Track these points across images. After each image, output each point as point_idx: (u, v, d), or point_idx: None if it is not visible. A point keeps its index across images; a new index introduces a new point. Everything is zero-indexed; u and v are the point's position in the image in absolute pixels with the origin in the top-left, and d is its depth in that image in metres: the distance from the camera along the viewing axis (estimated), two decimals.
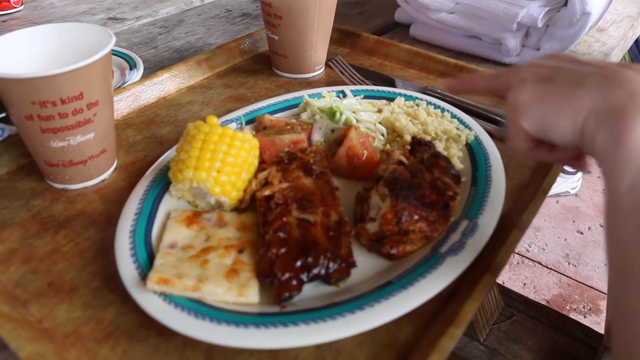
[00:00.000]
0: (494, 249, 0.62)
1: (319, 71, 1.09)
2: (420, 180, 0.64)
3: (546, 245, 2.43)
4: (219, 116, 0.87)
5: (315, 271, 0.56)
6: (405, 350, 0.55)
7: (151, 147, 0.86)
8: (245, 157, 0.67)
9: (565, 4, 1.09)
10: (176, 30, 1.38)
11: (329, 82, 1.07)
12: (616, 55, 1.31)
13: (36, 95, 0.66)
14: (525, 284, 2.23)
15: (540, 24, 1.08)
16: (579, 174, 2.68)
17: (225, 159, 0.65)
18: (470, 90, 0.65)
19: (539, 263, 2.34)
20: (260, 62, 1.14)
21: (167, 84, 1.02)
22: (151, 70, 1.11)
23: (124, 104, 0.95)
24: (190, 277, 0.56)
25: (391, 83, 1.03)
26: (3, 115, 0.74)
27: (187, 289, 0.55)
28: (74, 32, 0.76)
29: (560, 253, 2.39)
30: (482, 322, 1.37)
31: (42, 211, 0.74)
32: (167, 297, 0.55)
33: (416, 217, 0.61)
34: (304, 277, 0.56)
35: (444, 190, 0.65)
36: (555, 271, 2.30)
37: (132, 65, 1.07)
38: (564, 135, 0.49)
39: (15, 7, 1.48)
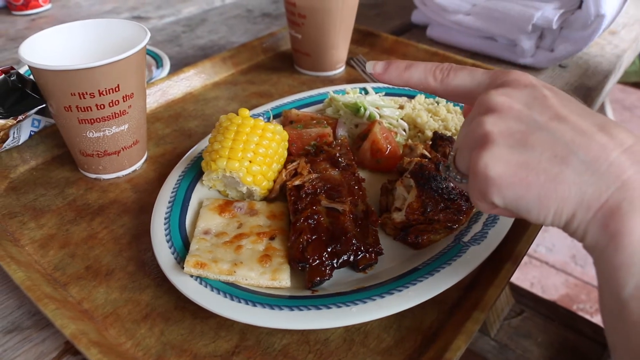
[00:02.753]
0: (514, 239, 0.64)
1: (340, 69, 1.12)
2: None
3: (553, 245, 2.45)
4: None
5: (344, 257, 0.59)
6: (430, 333, 0.57)
7: (179, 140, 0.89)
8: (276, 149, 0.70)
9: (580, 7, 1.11)
10: (199, 29, 1.41)
11: (350, 79, 1.10)
12: (628, 58, 1.33)
13: (75, 87, 0.68)
14: (532, 283, 2.25)
15: (555, 26, 1.10)
16: None
17: (257, 150, 0.68)
18: (406, 84, 0.56)
19: (546, 263, 2.36)
20: (282, 60, 1.17)
21: (193, 80, 1.05)
22: (177, 67, 1.14)
23: (152, 99, 0.97)
24: (225, 261, 0.59)
25: None
26: (42, 106, 0.77)
27: (222, 272, 0.58)
28: (110, 27, 0.79)
29: (567, 254, 2.41)
30: (492, 318, 1.39)
31: (77, 199, 0.77)
32: (202, 280, 0.58)
33: (440, 207, 0.64)
34: (334, 262, 0.59)
35: None
36: (563, 271, 2.32)
37: (159, 62, 1.10)
38: (543, 220, 0.43)
39: (43, 6, 1.51)
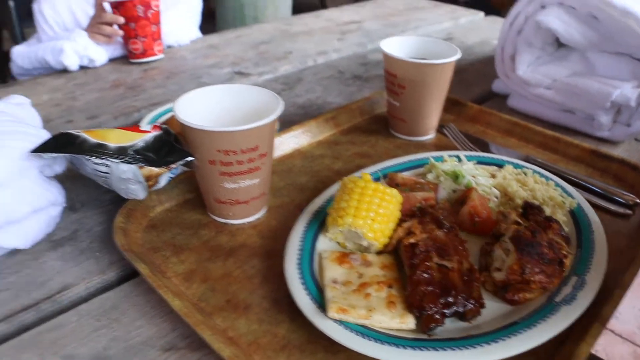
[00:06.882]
0: (600, 302, 0.73)
1: (431, 135, 1.23)
2: (539, 239, 0.76)
3: (620, 314, 2.45)
4: (349, 170, 1.02)
5: (455, 308, 0.69)
6: None
7: (294, 193, 1.01)
8: (393, 210, 0.81)
9: None
10: (297, 87, 1.55)
11: (439, 145, 1.20)
12: None
13: (222, 145, 0.81)
14: (597, 350, 2.25)
15: (633, 104, 1.18)
16: None
17: (378, 210, 0.79)
18: None
19: (612, 331, 2.36)
20: (377, 123, 1.29)
21: (301, 137, 1.18)
22: (281, 125, 1.25)
23: None
24: (360, 307, 0.69)
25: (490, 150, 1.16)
26: (191, 159, 0.88)
27: (360, 317, 0.68)
28: (248, 92, 0.92)
29: (635, 323, 2.39)
30: None
31: (210, 240, 0.89)
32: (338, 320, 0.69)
33: (537, 269, 0.73)
34: (446, 312, 0.69)
35: (559, 249, 0.77)
36: (630, 342, 2.31)
37: None
38: None
39: (157, 55, 1.69)
